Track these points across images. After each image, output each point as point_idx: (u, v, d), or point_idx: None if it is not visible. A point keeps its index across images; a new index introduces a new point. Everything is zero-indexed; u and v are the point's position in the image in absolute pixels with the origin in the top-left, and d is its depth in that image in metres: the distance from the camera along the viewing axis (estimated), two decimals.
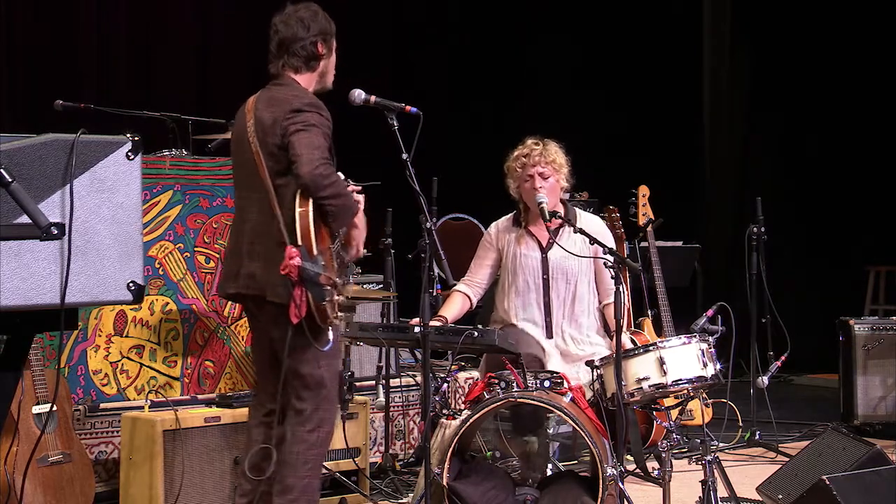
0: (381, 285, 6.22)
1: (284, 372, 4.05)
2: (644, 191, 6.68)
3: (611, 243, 5.09)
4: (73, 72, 7.96)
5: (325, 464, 5.18)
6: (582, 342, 5.32)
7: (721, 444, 6.48)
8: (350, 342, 5.41)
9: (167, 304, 5.60)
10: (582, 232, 4.88)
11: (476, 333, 4.67)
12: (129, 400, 5.41)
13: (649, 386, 4.59)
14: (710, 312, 4.79)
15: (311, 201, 3.93)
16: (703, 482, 4.57)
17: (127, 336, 5.48)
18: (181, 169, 5.67)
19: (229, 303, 5.46)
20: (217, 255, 5.69)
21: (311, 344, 4.02)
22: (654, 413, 5.20)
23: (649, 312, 6.46)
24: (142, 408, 5.06)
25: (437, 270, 4.60)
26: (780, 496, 4.88)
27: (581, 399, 4.64)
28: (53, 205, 2.76)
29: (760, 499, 5.12)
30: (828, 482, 4.46)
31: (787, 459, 5.71)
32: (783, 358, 6.62)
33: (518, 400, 4.54)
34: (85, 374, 5.36)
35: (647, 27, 10.18)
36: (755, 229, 6.73)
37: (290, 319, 3.89)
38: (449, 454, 4.47)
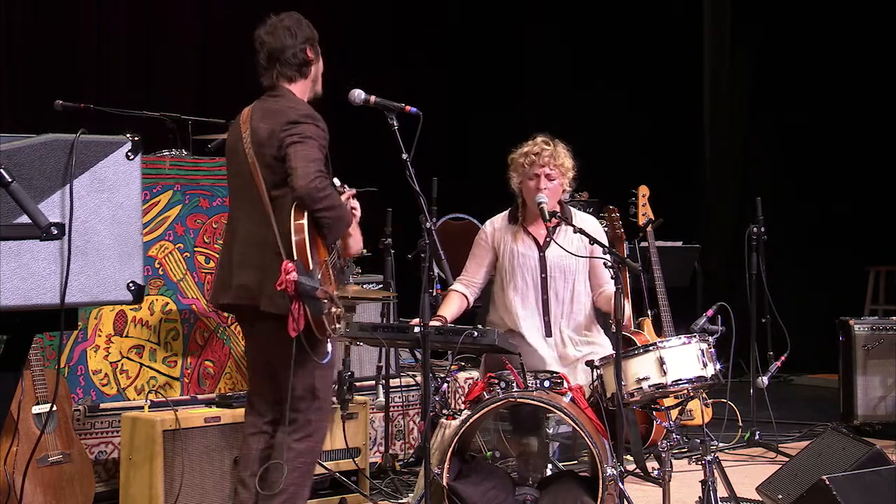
0: (381, 285, 6.22)
1: (291, 384, 4.06)
2: (644, 191, 6.68)
3: (605, 243, 5.09)
4: (73, 72, 7.96)
5: (325, 464, 5.20)
6: (579, 343, 5.32)
7: (721, 444, 6.48)
8: (350, 342, 5.41)
9: (167, 304, 5.60)
10: (582, 232, 4.88)
11: (476, 333, 4.67)
12: (129, 400, 5.41)
13: (649, 386, 4.59)
14: (710, 312, 4.79)
15: (306, 215, 3.93)
16: (703, 482, 4.57)
17: (127, 336, 5.48)
18: (181, 169, 5.67)
19: None
20: (217, 256, 5.69)
21: (310, 356, 4.02)
22: (654, 413, 5.20)
23: (649, 312, 6.46)
24: (142, 408, 5.06)
25: (437, 270, 4.61)
26: (780, 496, 4.88)
27: (581, 399, 4.64)
28: (53, 205, 2.76)
29: (760, 499, 5.12)
30: (828, 482, 4.46)
31: (787, 459, 5.71)
32: (783, 358, 6.62)
33: (518, 400, 4.54)
34: (85, 374, 5.36)
35: (647, 27, 10.18)
36: (755, 229, 6.73)
37: (289, 333, 3.90)
38: (449, 454, 4.47)
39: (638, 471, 4.79)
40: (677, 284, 7.34)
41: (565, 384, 4.65)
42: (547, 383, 4.61)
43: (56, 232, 2.70)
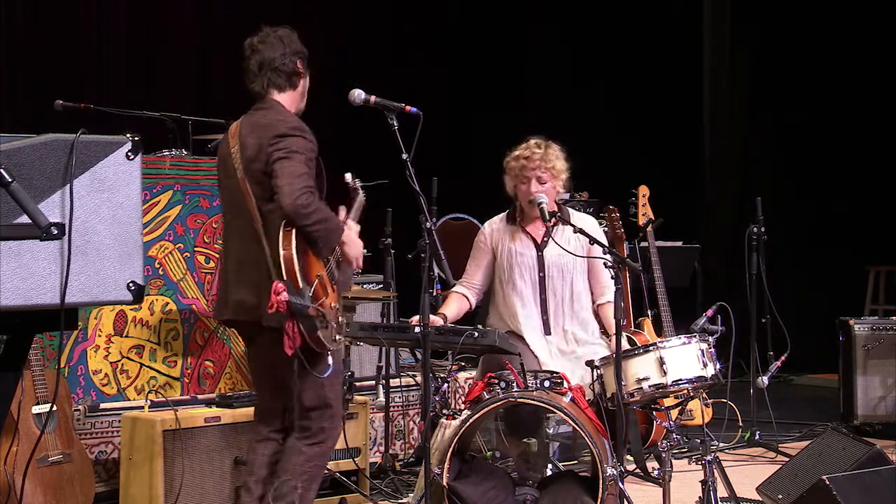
0: (381, 285, 6.22)
1: (301, 398, 4.09)
2: (644, 191, 6.68)
3: (605, 243, 5.09)
4: (73, 72, 7.96)
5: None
6: (586, 342, 5.31)
7: (721, 444, 6.48)
8: (350, 342, 5.41)
9: (167, 304, 5.60)
10: (582, 232, 4.88)
11: (476, 333, 4.67)
12: (129, 400, 5.41)
13: (649, 386, 4.59)
14: (709, 312, 4.78)
15: (293, 233, 3.92)
16: (703, 482, 4.57)
17: (127, 336, 5.48)
18: (181, 169, 5.67)
19: None
20: (217, 255, 5.69)
21: (311, 372, 4.02)
22: (654, 413, 5.20)
23: (649, 312, 6.45)
24: (142, 408, 5.06)
25: (437, 270, 4.60)
26: (780, 496, 4.88)
27: (581, 399, 4.64)
28: (53, 205, 2.76)
29: (760, 499, 5.12)
30: (828, 482, 4.46)
31: (787, 459, 5.71)
32: (783, 358, 6.62)
33: (518, 400, 4.53)
34: (85, 374, 5.36)
35: (647, 27, 10.18)
36: (755, 229, 6.73)
37: (286, 351, 3.89)
38: (449, 454, 4.47)
39: (638, 471, 4.79)
40: (677, 284, 7.34)
41: (565, 384, 4.65)
42: (547, 383, 4.61)
43: (56, 232, 2.70)
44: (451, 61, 10.16)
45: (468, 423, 4.48)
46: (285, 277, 3.89)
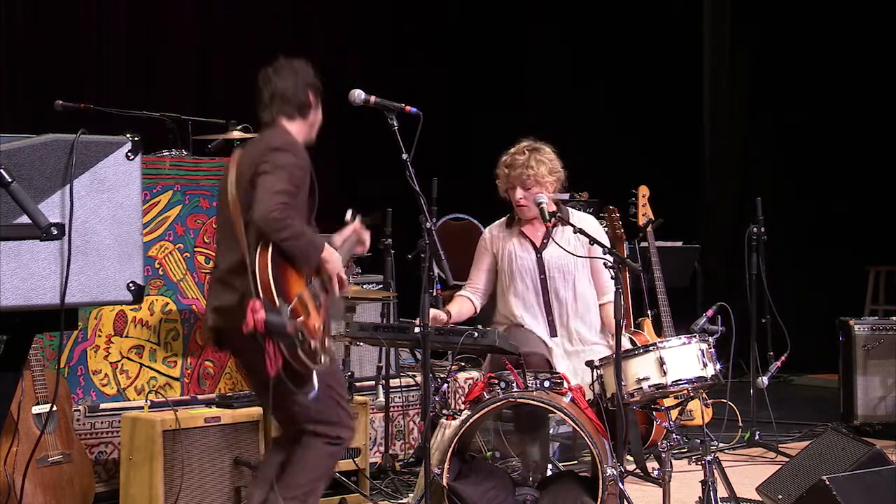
0: (381, 285, 6.22)
1: (297, 416, 4.06)
2: (644, 191, 6.67)
3: (606, 243, 5.10)
4: (73, 72, 7.96)
5: None
6: (592, 342, 5.32)
7: (721, 445, 6.47)
8: (350, 342, 5.42)
9: (167, 304, 5.60)
10: (582, 232, 4.88)
11: (476, 334, 4.67)
12: (129, 400, 5.41)
13: (649, 386, 4.59)
14: (709, 312, 4.78)
15: (269, 251, 3.87)
16: (703, 482, 4.57)
17: (127, 336, 5.48)
18: (181, 169, 5.67)
19: None
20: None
21: (297, 392, 3.95)
22: (654, 413, 5.20)
23: (649, 313, 6.45)
24: (142, 408, 5.06)
25: (436, 270, 4.60)
26: (780, 496, 4.88)
27: (581, 399, 4.64)
28: (53, 205, 2.76)
29: (760, 499, 5.12)
30: (828, 482, 4.46)
31: (787, 460, 5.70)
32: (783, 358, 6.61)
33: (518, 400, 4.54)
34: (85, 374, 5.36)
35: (647, 27, 10.18)
36: (755, 229, 6.73)
37: (268, 373, 3.82)
38: (449, 454, 4.47)
39: (638, 471, 4.79)
40: (677, 284, 7.34)
41: (565, 384, 4.65)
42: (547, 383, 4.61)
43: (56, 232, 2.70)
44: (451, 61, 10.16)
45: (468, 424, 4.48)
46: (262, 296, 3.82)
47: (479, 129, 9.83)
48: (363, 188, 8.88)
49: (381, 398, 6.00)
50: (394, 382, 6.16)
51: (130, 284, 2.88)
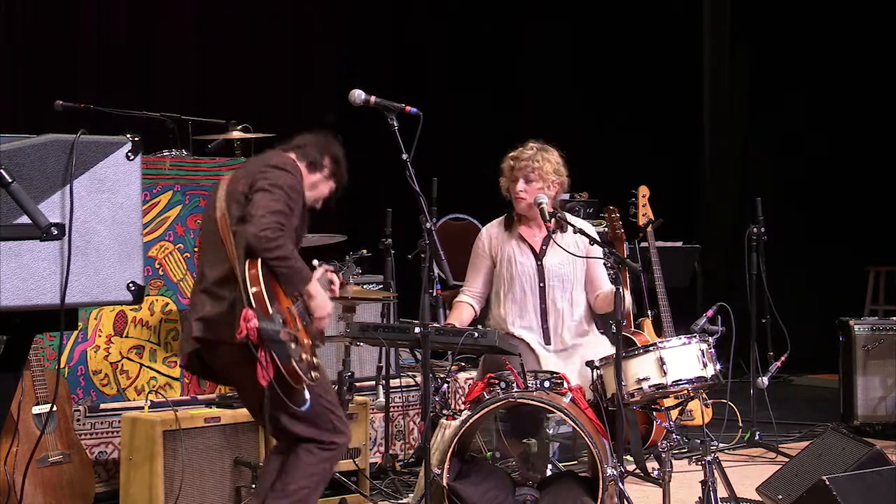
0: (381, 285, 6.22)
1: (287, 431, 4.04)
2: (644, 191, 6.68)
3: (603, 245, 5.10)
4: (73, 72, 7.96)
5: None
6: (585, 345, 5.31)
7: (721, 445, 6.48)
8: (350, 342, 5.41)
9: (167, 304, 5.60)
10: (582, 233, 4.89)
11: (476, 334, 4.67)
12: (129, 400, 5.42)
13: (649, 386, 4.59)
14: (709, 313, 4.78)
15: (259, 265, 3.86)
16: (703, 482, 4.57)
17: (127, 336, 5.48)
18: (181, 169, 5.67)
19: None
20: None
21: (289, 405, 3.90)
22: (654, 413, 5.20)
23: (649, 313, 6.46)
24: (142, 408, 5.06)
25: (437, 271, 4.60)
26: (780, 496, 4.88)
27: (581, 399, 4.64)
28: (53, 205, 2.76)
29: (760, 499, 5.12)
30: (828, 482, 4.46)
31: (787, 460, 5.71)
32: (783, 358, 6.62)
33: (518, 400, 4.53)
34: (85, 374, 5.36)
35: (647, 27, 10.18)
36: (755, 229, 6.73)
37: (259, 382, 3.78)
38: (449, 454, 4.47)
39: (638, 471, 4.79)
40: (677, 284, 7.34)
41: (565, 384, 4.65)
42: (547, 384, 4.61)
43: (56, 232, 2.70)
44: (451, 61, 10.16)
45: (468, 424, 4.48)
46: (254, 305, 3.80)
47: (480, 129, 9.83)
48: (363, 188, 8.89)
49: (382, 398, 6.01)
50: (394, 382, 6.16)
51: (130, 285, 2.88)
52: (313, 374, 3.89)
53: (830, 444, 5.03)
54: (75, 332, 5.26)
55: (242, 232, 3.92)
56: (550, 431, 5.08)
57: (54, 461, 4.81)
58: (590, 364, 4.73)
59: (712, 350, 4.73)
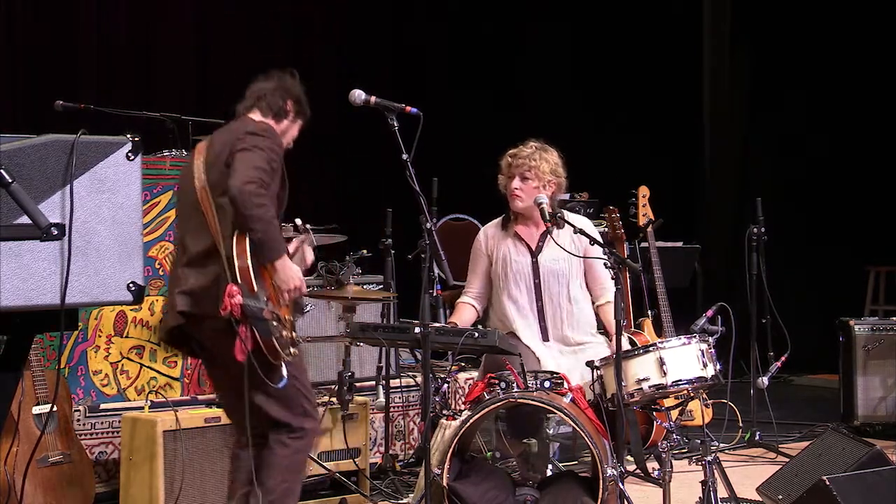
0: (381, 286, 6.21)
1: (261, 411, 3.97)
2: (644, 191, 6.68)
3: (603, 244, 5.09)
4: (73, 72, 7.95)
5: (325, 464, 5.20)
6: (585, 344, 5.31)
7: (721, 445, 6.47)
8: (350, 342, 5.42)
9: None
10: (582, 232, 4.88)
11: (476, 334, 4.67)
12: (130, 400, 5.42)
13: (649, 386, 4.59)
14: (709, 313, 4.78)
15: (246, 240, 3.83)
16: (704, 483, 4.57)
17: (127, 336, 5.48)
18: (181, 169, 5.66)
19: None
20: None
21: (266, 382, 3.88)
22: (654, 413, 5.20)
23: (649, 313, 6.45)
24: (142, 408, 5.06)
25: (437, 271, 4.60)
26: (780, 497, 4.88)
27: (581, 399, 4.64)
28: (53, 205, 2.76)
29: (760, 499, 5.12)
30: (828, 482, 4.46)
31: (788, 460, 5.71)
32: (783, 358, 6.62)
33: (518, 400, 4.53)
34: (85, 374, 5.36)
35: (647, 27, 10.18)
36: (755, 229, 6.73)
37: (237, 357, 3.77)
38: (449, 454, 4.47)
39: (638, 471, 4.78)
40: (677, 285, 7.34)
41: (565, 384, 4.65)
42: (547, 384, 4.61)
43: (56, 232, 2.70)
44: (451, 61, 10.16)
45: (468, 424, 4.48)
46: (239, 281, 3.79)
47: (480, 129, 9.82)
48: (363, 188, 8.89)
49: (382, 398, 6.01)
50: (394, 383, 6.16)
51: (131, 285, 2.88)
52: (292, 349, 3.88)
53: (830, 445, 5.03)
54: (75, 333, 5.26)
55: (225, 203, 3.88)
56: (550, 431, 5.08)
57: (54, 461, 4.81)
58: (590, 364, 4.72)
59: (712, 350, 4.73)
